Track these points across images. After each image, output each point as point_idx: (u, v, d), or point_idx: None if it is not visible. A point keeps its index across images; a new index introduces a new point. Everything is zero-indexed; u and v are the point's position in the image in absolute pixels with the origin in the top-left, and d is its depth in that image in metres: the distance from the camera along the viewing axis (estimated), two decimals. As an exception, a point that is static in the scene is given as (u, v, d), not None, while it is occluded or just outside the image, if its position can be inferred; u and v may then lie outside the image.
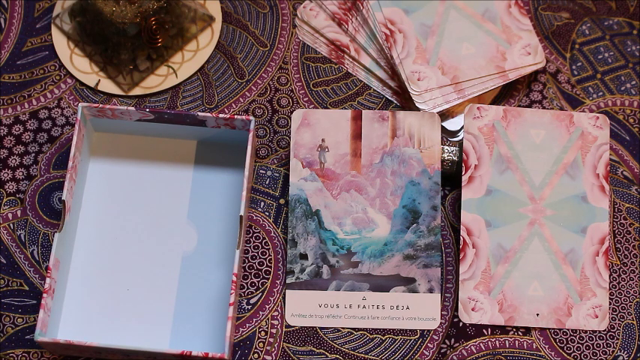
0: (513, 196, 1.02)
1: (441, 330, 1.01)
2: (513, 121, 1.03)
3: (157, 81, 1.09)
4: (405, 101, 1.09)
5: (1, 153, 1.06)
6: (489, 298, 1.00)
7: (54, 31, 1.10)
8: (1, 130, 1.07)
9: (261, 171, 1.07)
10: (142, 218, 1.04)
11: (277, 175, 1.07)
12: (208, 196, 1.04)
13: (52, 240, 1.03)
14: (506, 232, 1.01)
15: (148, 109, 1.01)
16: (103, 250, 1.02)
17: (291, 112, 1.08)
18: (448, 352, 1.01)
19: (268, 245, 1.04)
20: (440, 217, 1.02)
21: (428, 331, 1.01)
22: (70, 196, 1.00)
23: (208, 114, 1.01)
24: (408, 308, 1.01)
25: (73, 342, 0.93)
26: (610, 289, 1.03)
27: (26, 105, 1.08)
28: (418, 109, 1.06)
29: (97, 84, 1.08)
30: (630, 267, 1.04)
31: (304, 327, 1.01)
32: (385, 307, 1.01)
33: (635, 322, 1.02)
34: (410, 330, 1.01)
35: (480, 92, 1.07)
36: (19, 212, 1.04)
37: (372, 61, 1.10)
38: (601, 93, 1.10)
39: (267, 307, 1.02)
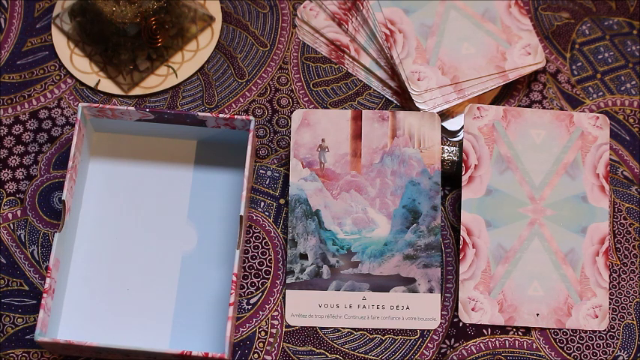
0: (513, 196, 1.02)
1: (441, 330, 1.01)
2: (513, 121, 1.03)
3: (157, 81, 1.09)
4: (405, 101, 1.09)
5: (1, 153, 1.06)
6: (489, 298, 1.00)
7: (54, 31, 1.10)
8: (1, 130, 1.07)
9: (261, 171, 1.07)
10: (142, 218, 1.04)
11: (277, 175, 1.07)
12: (208, 196, 1.04)
13: (52, 240, 1.03)
14: (506, 232, 1.01)
15: (148, 109, 1.01)
16: (103, 250, 1.02)
17: (291, 112, 1.08)
18: (448, 352, 1.01)
19: (268, 245, 1.04)
20: (440, 217, 1.02)
21: (428, 331, 1.01)
22: (70, 196, 1.00)
23: (208, 114, 1.01)
24: (408, 308, 1.01)
25: (73, 342, 0.93)
26: (610, 289, 1.03)
27: (26, 105, 1.08)
28: (418, 109, 1.06)
29: (97, 84, 1.08)
30: (630, 267, 1.04)
31: (304, 327, 1.01)
32: (385, 307, 1.01)
33: (635, 322, 1.02)
34: (410, 330, 1.01)
35: (480, 92, 1.07)
36: (19, 212, 1.04)
37: (372, 61, 1.10)
38: (601, 93, 1.10)
39: (267, 307, 1.02)
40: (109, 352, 0.95)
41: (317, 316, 1.01)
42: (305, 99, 1.09)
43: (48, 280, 0.96)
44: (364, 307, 1.01)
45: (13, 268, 1.02)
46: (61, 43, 1.10)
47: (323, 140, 1.04)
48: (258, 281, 1.02)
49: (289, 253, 1.02)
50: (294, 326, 1.01)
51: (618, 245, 1.05)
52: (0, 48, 1.10)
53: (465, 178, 1.02)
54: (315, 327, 1.01)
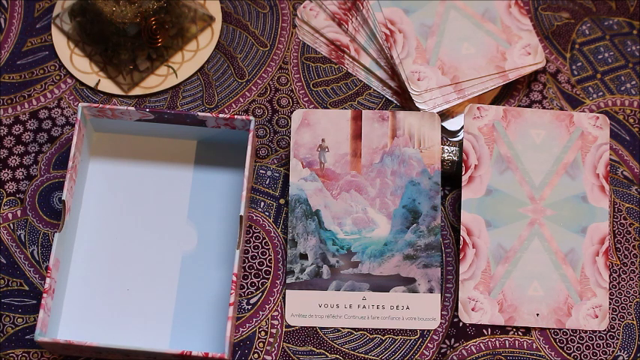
0: (513, 196, 1.02)
1: (441, 330, 1.01)
2: (513, 121, 1.03)
3: (157, 81, 1.09)
4: (405, 101, 1.09)
5: (1, 153, 1.06)
6: (489, 298, 1.00)
7: (54, 31, 1.10)
8: (1, 130, 1.07)
9: (261, 171, 1.07)
10: (142, 218, 1.04)
11: (277, 175, 1.07)
12: (208, 196, 1.04)
13: (52, 240, 1.03)
14: (506, 232, 1.01)
15: (148, 109, 1.01)
16: (103, 250, 1.02)
17: (291, 112, 1.08)
18: (448, 352, 1.01)
19: (268, 245, 1.04)
20: (440, 217, 1.02)
21: (428, 331, 1.01)
22: (70, 196, 1.00)
23: (208, 114, 1.01)
24: (408, 308, 1.01)
25: (73, 342, 0.93)
26: (610, 289, 1.03)
27: (26, 105, 1.08)
28: (418, 109, 1.06)
29: (97, 84, 1.09)
30: (630, 267, 1.04)
31: (304, 327, 1.01)
32: (385, 307, 1.01)
33: (635, 322, 1.02)
34: (410, 330, 1.01)
35: (480, 92, 1.07)
36: (19, 212, 1.04)
37: (372, 61, 1.10)
38: (601, 93, 1.10)
39: (267, 307, 1.02)
40: (109, 352, 0.95)
41: (317, 316, 1.01)
42: (305, 99, 1.09)
43: (48, 280, 0.96)
44: (364, 307, 1.01)
45: (13, 268, 1.02)
46: (61, 43, 1.10)
47: (323, 140, 1.04)
48: (258, 281, 1.02)
49: (289, 253, 1.02)
50: (294, 326, 1.01)
51: (618, 245, 1.05)
52: (0, 48, 1.10)
53: (465, 178, 1.02)
54: (315, 327, 1.01)
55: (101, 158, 1.06)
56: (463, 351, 1.01)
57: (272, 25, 1.12)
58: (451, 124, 1.08)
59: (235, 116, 1.01)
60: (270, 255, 1.03)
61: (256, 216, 1.05)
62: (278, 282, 1.02)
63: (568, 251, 1.01)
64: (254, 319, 1.01)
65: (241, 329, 1.01)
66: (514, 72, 1.08)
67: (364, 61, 1.10)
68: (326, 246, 1.02)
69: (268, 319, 1.01)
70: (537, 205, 1.02)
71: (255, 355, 1.00)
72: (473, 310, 1.00)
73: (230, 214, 1.04)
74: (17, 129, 1.07)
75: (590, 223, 1.02)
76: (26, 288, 1.02)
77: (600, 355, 1.01)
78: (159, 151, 1.06)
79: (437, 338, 1.01)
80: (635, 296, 1.03)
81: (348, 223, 1.02)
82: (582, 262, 1.01)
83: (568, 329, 1.01)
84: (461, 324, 1.02)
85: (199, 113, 1.01)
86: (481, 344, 1.01)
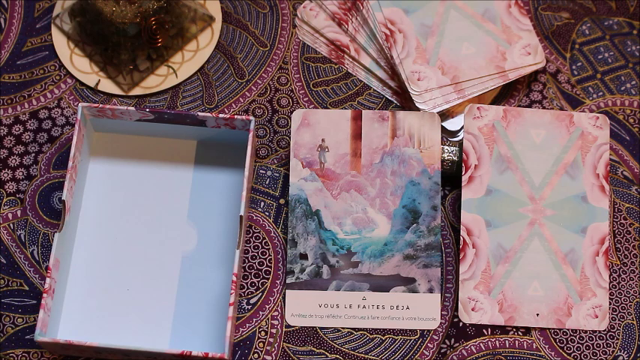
0: (513, 196, 1.02)
1: (441, 330, 1.01)
2: (513, 121, 1.03)
3: (157, 81, 1.09)
4: (405, 101, 1.09)
5: (1, 153, 1.06)
6: (489, 298, 1.00)
7: (54, 31, 1.10)
8: (1, 130, 1.07)
9: (261, 171, 1.07)
10: (142, 218, 1.04)
11: (277, 175, 1.07)
12: (208, 196, 1.04)
13: (52, 240, 1.03)
14: (506, 232, 1.01)
15: (148, 109, 1.01)
16: (103, 250, 1.02)
17: (291, 112, 1.08)
18: (448, 352, 1.01)
19: (268, 245, 1.04)
20: (440, 217, 1.02)
21: (428, 331, 1.01)
22: (70, 196, 1.00)
23: (208, 114, 1.01)
24: (408, 308, 1.01)
25: (73, 342, 0.93)
26: (610, 289, 1.03)
27: (26, 105, 1.08)
28: (418, 109, 1.06)
29: (97, 84, 1.09)
30: (630, 267, 1.04)
31: (304, 327, 1.01)
32: (385, 307, 1.01)
33: (635, 322, 1.02)
34: (410, 330, 1.01)
35: (480, 92, 1.07)
36: (19, 212, 1.04)
37: (372, 61, 1.10)
38: (601, 93, 1.10)
39: (267, 307, 1.02)
40: (109, 352, 0.95)
41: (317, 316, 1.01)
42: (305, 99, 1.09)
43: (48, 280, 0.96)
44: (364, 307, 1.01)
45: (13, 268, 1.02)
46: (61, 43, 1.10)
47: (323, 140, 1.04)
48: (258, 281, 1.02)
49: (289, 253, 1.02)
50: (294, 326, 1.01)
51: (618, 245, 1.05)
52: (0, 48, 1.10)
53: (465, 178, 1.02)
54: (315, 327, 1.01)
55: (101, 158, 1.06)
56: (463, 351, 1.01)
57: (272, 25, 1.12)
58: (451, 124, 1.08)
59: (235, 116, 1.01)
60: (270, 255, 1.03)
61: (256, 216, 1.05)
62: (278, 282, 1.02)
63: (568, 251, 1.01)
64: (254, 319, 1.01)
65: (241, 329, 1.01)
66: (514, 72, 1.08)
67: (364, 61, 1.10)
68: (326, 246, 1.02)
69: (268, 319, 1.01)
70: (537, 205, 1.02)
71: (255, 355, 1.00)
72: (473, 310, 1.00)
73: (230, 214, 1.04)
74: (17, 129, 1.07)
75: (590, 223, 1.02)
76: (26, 288, 1.02)
77: (600, 355, 1.01)
78: (159, 151, 1.06)
79: (437, 338, 1.01)
80: (635, 296, 1.03)
81: (348, 223, 1.02)
82: (582, 262, 1.01)
83: (568, 329, 1.01)
84: (461, 324, 1.02)
85: (199, 113, 1.01)
86: (481, 344, 1.01)
